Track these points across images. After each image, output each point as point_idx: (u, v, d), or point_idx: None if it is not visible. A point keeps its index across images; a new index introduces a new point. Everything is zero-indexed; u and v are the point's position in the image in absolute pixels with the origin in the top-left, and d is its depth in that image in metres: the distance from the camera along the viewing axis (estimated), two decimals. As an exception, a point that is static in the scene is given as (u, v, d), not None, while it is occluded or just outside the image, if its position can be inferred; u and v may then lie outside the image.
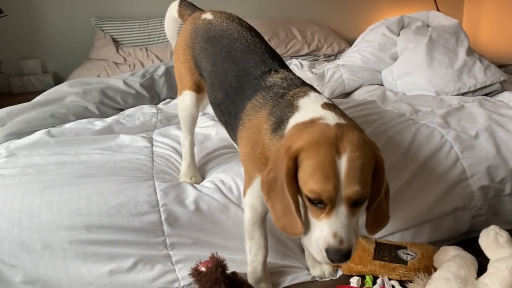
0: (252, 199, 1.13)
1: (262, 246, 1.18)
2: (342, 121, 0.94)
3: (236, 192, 1.32)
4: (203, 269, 1.10)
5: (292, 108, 1.02)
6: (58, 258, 1.16)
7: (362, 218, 1.22)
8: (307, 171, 0.88)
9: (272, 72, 1.16)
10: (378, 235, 1.34)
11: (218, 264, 1.10)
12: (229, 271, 1.12)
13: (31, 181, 1.29)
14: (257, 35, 1.30)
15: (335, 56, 3.50)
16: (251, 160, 1.10)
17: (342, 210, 0.88)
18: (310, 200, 0.90)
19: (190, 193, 1.29)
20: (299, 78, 1.16)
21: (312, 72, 2.30)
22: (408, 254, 1.26)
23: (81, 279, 1.15)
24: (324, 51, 3.50)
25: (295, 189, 0.92)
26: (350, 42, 3.63)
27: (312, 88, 1.11)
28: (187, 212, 1.25)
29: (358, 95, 2.15)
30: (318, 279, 1.27)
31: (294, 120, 0.99)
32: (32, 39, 3.39)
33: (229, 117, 1.22)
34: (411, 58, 2.13)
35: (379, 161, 0.92)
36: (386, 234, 1.36)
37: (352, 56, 2.45)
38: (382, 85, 2.28)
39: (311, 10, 3.91)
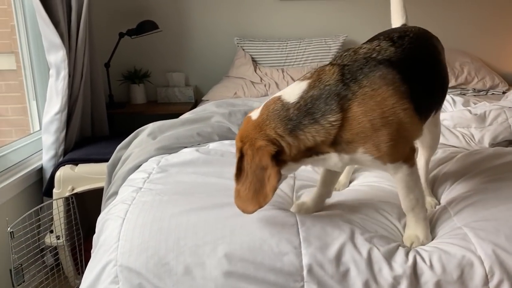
0: None
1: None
2: None
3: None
4: None
5: None
6: (198, 285, 1.14)
7: None
8: None
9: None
10: None
11: None
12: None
13: (180, 200, 1.31)
14: None
15: (486, 91, 3.14)
16: None
17: None
18: None
19: (333, 241, 1.19)
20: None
21: (470, 112, 2.06)
22: None
23: (218, 310, 1.11)
24: (474, 85, 3.16)
25: None
26: (505, 78, 3.25)
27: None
28: (328, 261, 1.14)
29: (525, 144, 1.86)
30: None
31: None
32: (179, 54, 3.63)
33: None
34: None
35: None
36: None
37: (521, 98, 2.15)
38: (556, 134, 1.95)
39: (462, 40, 3.57)
